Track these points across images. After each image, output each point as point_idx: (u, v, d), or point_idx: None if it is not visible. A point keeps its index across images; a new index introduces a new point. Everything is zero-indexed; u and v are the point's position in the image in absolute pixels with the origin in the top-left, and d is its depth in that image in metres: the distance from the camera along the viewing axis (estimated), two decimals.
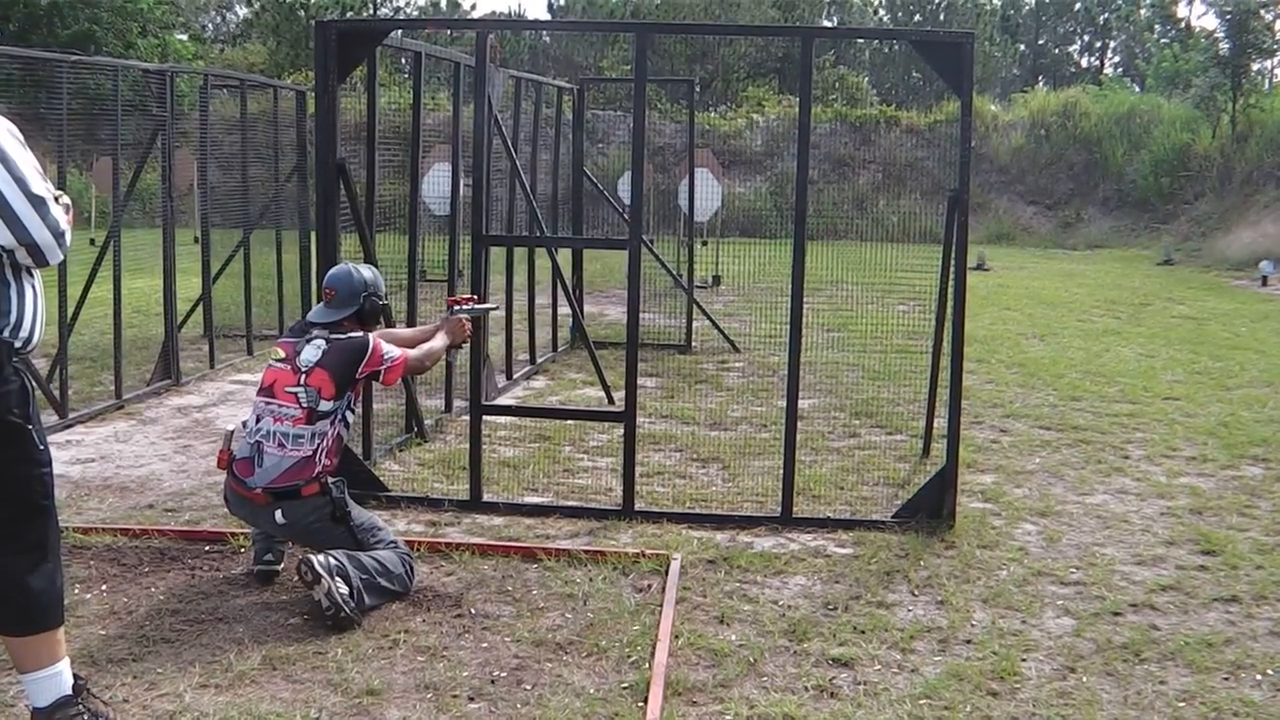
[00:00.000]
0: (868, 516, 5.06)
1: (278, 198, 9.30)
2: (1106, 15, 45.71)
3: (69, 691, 2.94)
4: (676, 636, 3.73)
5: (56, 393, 6.49)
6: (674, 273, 10.08)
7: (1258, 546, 4.83)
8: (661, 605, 3.93)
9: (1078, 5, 46.91)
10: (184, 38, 31.49)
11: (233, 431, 4.24)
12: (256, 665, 3.44)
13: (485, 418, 5.43)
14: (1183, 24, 36.20)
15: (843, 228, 16.72)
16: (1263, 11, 22.83)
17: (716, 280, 13.67)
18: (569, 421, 6.56)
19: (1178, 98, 26.04)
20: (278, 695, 3.27)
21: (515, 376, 8.08)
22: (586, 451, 6.19)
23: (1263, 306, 13.65)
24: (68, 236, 2.83)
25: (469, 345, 4.84)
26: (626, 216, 7.04)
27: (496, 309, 5.58)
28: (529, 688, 3.36)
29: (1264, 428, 6.99)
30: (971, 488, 5.56)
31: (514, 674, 3.44)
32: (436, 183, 7.66)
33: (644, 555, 4.42)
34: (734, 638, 3.76)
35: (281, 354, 4.15)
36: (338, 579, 3.72)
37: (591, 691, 3.34)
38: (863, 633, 3.84)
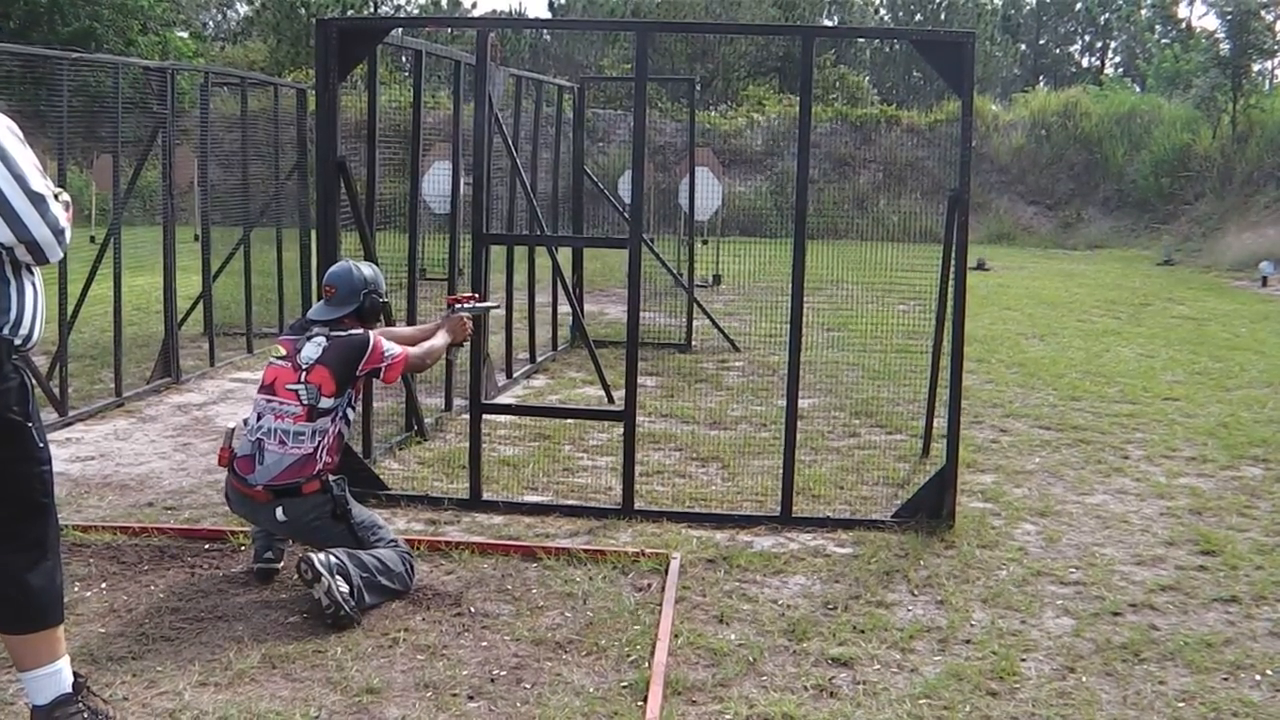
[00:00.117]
0: (867, 516, 5.06)
1: (278, 195, 9.30)
2: (1107, 15, 45.72)
3: (69, 689, 2.94)
4: (676, 636, 3.73)
5: (56, 390, 6.49)
6: (674, 272, 10.08)
7: (1257, 547, 4.83)
8: (661, 604, 3.93)
9: (1079, 5, 46.91)
10: (185, 35, 31.48)
11: (234, 429, 4.24)
12: (256, 663, 3.44)
13: (485, 416, 5.43)
14: (1183, 24, 36.24)
15: (843, 227, 16.75)
16: (1263, 12, 22.84)
17: (717, 279, 13.67)
18: (569, 420, 6.56)
19: (1178, 98, 26.06)
20: (277, 693, 3.27)
21: (515, 375, 8.08)
22: (586, 450, 6.19)
23: (1262, 307, 13.65)
24: (67, 234, 2.82)
25: (469, 344, 4.84)
26: (627, 215, 7.05)
27: (497, 307, 5.58)
28: (528, 686, 3.36)
29: (1264, 428, 6.99)
30: (971, 487, 5.56)
31: (513, 673, 3.44)
32: (437, 181, 7.66)
33: (643, 554, 4.42)
34: (733, 637, 3.76)
35: (282, 351, 4.15)
36: (338, 577, 3.72)
37: (591, 690, 3.34)
38: (862, 632, 3.84)
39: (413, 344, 4.41)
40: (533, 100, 8.62)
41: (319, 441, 4.00)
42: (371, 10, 31.07)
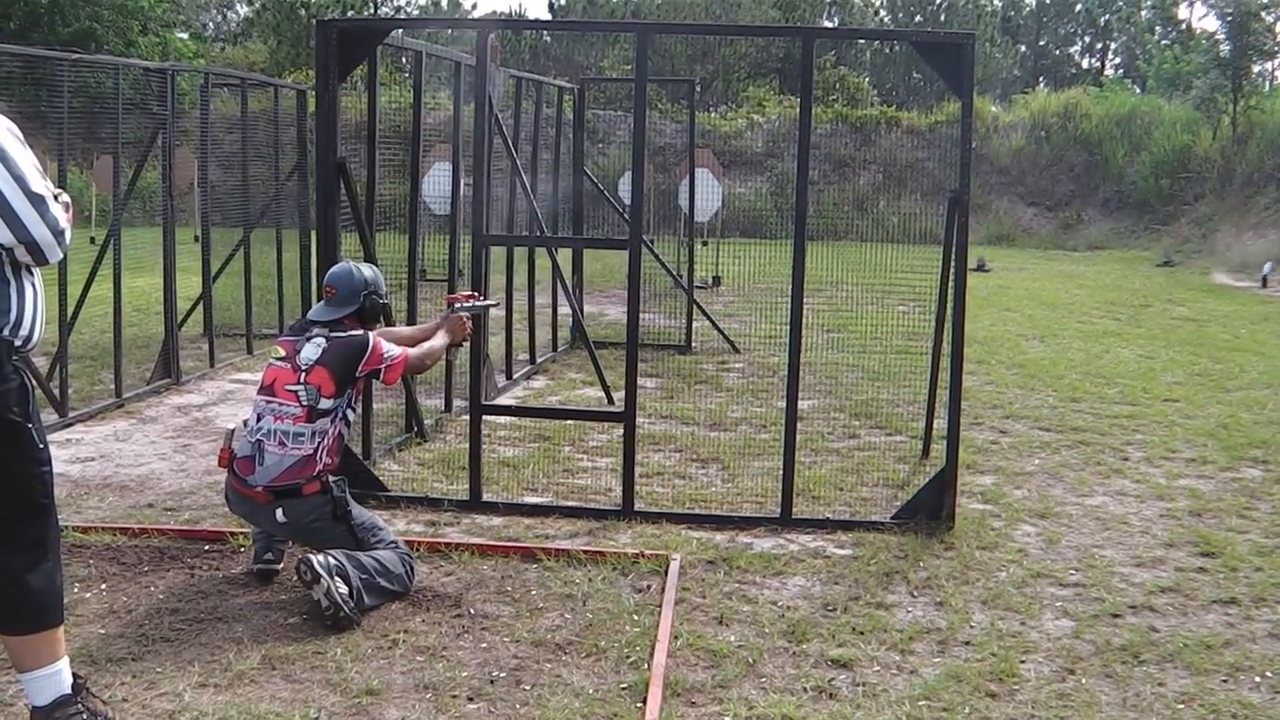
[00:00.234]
0: (867, 517, 5.06)
1: (278, 196, 9.30)
2: (1107, 17, 45.73)
3: (68, 690, 2.94)
4: (676, 637, 3.73)
5: (56, 391, 6.49)
6: (674, 273, 10.08)
7: (1257, 548, 4.83)
8: (661, 606, 3.93)
9: (1079, 6, 46.93)
10: (185, 36, 31.49)
11: (234, 430, 4.24)
12: (256, 665, 3.44)
13: (485, 417, 5.43)
14: (1183, 26, 36.25)
15: (843, 228, 16.76)
16: (1263, 13, 22.85)
17: (716, 280, 13.67)
18: (569, 421, 6.56)
19: (1178, 99, 26.08)
20: (277, 695, 3.27)
21: (515, 376, 8.08)
22: (586, 451, 6.19)
23: (1262, 308, 13.66)
24: (67, 235, 2.82)
25: (469, 344, 4.84)
26: (627, 216, 7.05)
27: (497, 305, 5.58)
28: (528, 688, 3.36)
29: (1263, 429, 6.99)
30: (971, 489, 5.57)
31: (513, 674, 3.44)
32: (437, 182, 7.66)
33: (643, 555, 4.42)
34: (733, 638, 3.76)
35: (282, 352, 4.15)
36: (337, 579, 3.72)
37: (590, 692, 3.34)
38: (862, 634, 3.84)
39: (412, 344, 4.41)
40: (533, 101, 8.63)
41: (319, 442, 4.00)
42: (372, 11, 31.07)
